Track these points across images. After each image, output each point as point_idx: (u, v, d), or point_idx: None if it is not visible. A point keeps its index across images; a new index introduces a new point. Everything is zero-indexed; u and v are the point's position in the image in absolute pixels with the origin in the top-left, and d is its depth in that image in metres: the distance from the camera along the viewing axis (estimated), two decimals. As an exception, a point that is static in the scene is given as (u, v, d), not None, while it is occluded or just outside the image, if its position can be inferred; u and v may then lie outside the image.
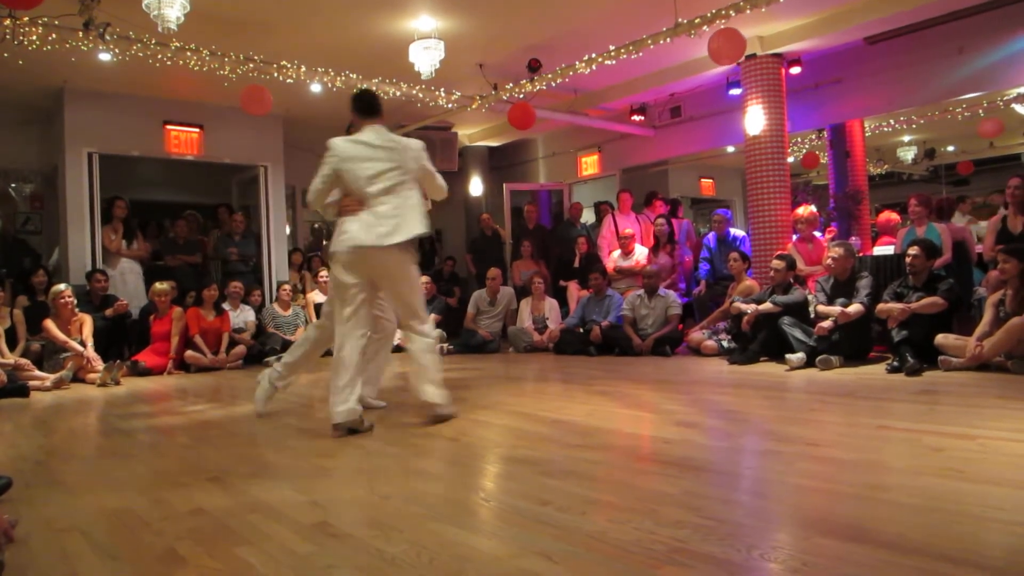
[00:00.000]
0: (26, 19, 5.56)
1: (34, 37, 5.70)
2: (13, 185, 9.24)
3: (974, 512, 2.07)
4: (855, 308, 5.46)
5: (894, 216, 7.46)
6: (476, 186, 11.65)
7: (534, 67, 7.54)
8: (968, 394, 4.15)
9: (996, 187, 7.16)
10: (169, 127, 8.77)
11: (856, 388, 4.50)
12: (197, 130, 8.94)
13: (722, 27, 6.12)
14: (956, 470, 2.50)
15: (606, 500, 2.39)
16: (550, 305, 8.17)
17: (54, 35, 5.75)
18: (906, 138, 10.86)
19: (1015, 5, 6.59)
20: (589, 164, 11.11)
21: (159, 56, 6.34)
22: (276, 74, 6.99)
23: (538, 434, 3.50)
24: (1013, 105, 8.76)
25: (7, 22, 5.49)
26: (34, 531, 2.24)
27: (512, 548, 1.93)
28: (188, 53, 6.42)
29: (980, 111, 8.77)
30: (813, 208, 7.20)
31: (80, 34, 5.75)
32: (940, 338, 5.10)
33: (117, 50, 6.16)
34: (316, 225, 11.98)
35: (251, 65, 6.78)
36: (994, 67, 7.07)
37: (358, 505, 2.40)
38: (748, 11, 5.83)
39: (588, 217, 10.33)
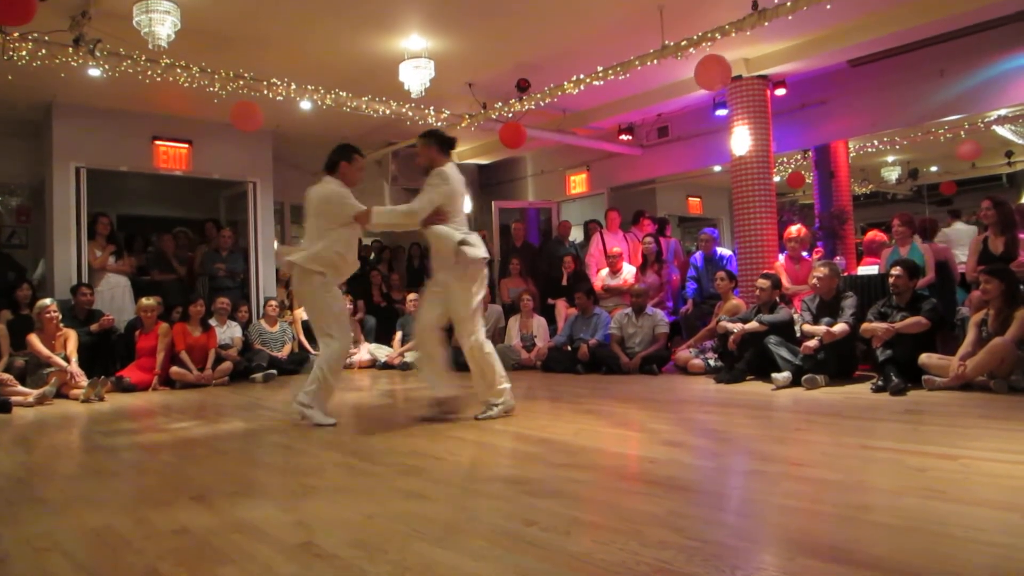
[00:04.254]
0: (16, 34, 5.57)
1: (24, 52, 5.71)
2: (-1, 198, 9.21)
3: (956, 533, 2.08)
4: (840, 327, 5.50)
5: (881, 235, 7.53)
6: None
7: (523, 87, 7.61)
8: (951, 414, 4.18)
9: (977, 207, 7.29)
10: (158, 142, 8.76)
11: (841, 407, 4.52)
12: (186, 145, 8.94)
13: (708, 53, 6.21)
14: (938, 490, 2.52)
15: (591, 520, 2.39)
16: (538, 323, 8.18)
17: (44, 50, 5.77)
18: (890, 158, 11.01)
19: (994, 29, 6.72)
20: (577, 182, 11.18)
21: (149, 72, 6.35)
22: (266, 91, 7.01)
23: (525, 453, 3.50)
24: (994, 127, 8.92)
25: (-3, 37, 5.50)
26: (14, 550, 2.22)
27: (497, 569, 1.93)
28: (178, 70, 6.44)
29: (962, 132, 8.92)
30: (803, 228, 7.27)
31: (70, 50, 5.77)
32: (924, 358, 5.14)
33: (107, 66, 6.17)
34: (303, 241, 11.97)
35: (241, 82, 6.80)
36: (975, 90, 7.20)
37: (343, 525, 2.38)
38: (734, 34, 5.92)
39: (576, 235, 10.37)
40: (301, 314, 8.66)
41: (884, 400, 4.71)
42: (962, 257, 6.66)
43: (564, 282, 8.79)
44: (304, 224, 4.67)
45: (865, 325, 5.47)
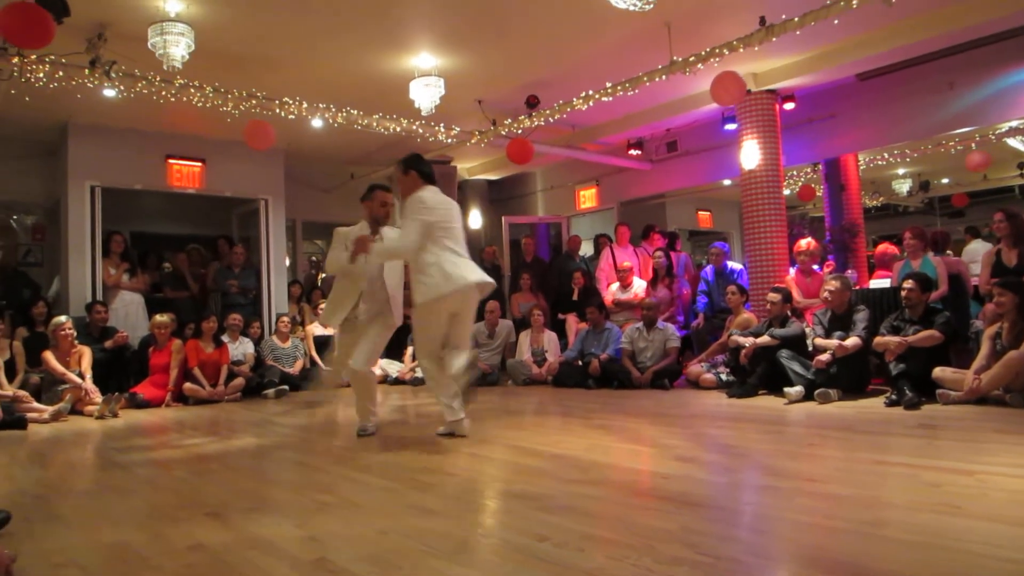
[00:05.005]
0: (34, 57, 5.67)
1: (41, 75, 5.80)
2: (15, 217, 9.32)
3: (972, 549, 2.07)
4: (852, 341, 5.47)
5: (892, 248, 7.49)
6: (475, 219, 11.74)
7: (532, 103, 7.66)
8: (966, 428, 4.15)
9: (991, 219, 7.27)
10: (171, 161, 8.86)
11: (854, 422, 4.50)
12: (199, 164, 9.04)
13: (717, 68, 6.24)
14: (954, 506, 2.50)
15: (604, 536, 2.39)
16: (549, 338, 8.18)
17: (61, 72, 5.86)
18: (900, 171, 10.99)
19: (1003, 42, 6.72)
20: (587, 197, 11.22)
21: (163, 92, 6.45)
22: (278, 110, 7.09)
23: (537, 468, 3.50)
24: (1005, 139, 8.89)
25: (15, 60, 5.60)
26: (32, 566, 2.24)
27: (510, 585, 1.93)
28: (192, 90, 6.53)
29: (973, 145, 8.90)
30: (813, 241, 7.26)
31: (86, 71, 5.87)
32: (938, 371, 5.11)
33: (122, 87, 6.26)
34: (314, 258, 12.04)
35: (254, 101, 6.88)
36: (984, 102, 7.20)
37: (357, 541, 2.39)
38: (742, 49, 5.94)
39: (587, 249, 10.39)
40: (313, 330, 8.70)
41: (898, 414, 4.68)
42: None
43: (575, 297, 8.80)
44: (453, 235, 4.42)
45: (878, 339, 5.44)
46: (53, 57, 5.72)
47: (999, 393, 4.80)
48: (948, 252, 7.51)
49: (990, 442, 3.72)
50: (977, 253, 7.89)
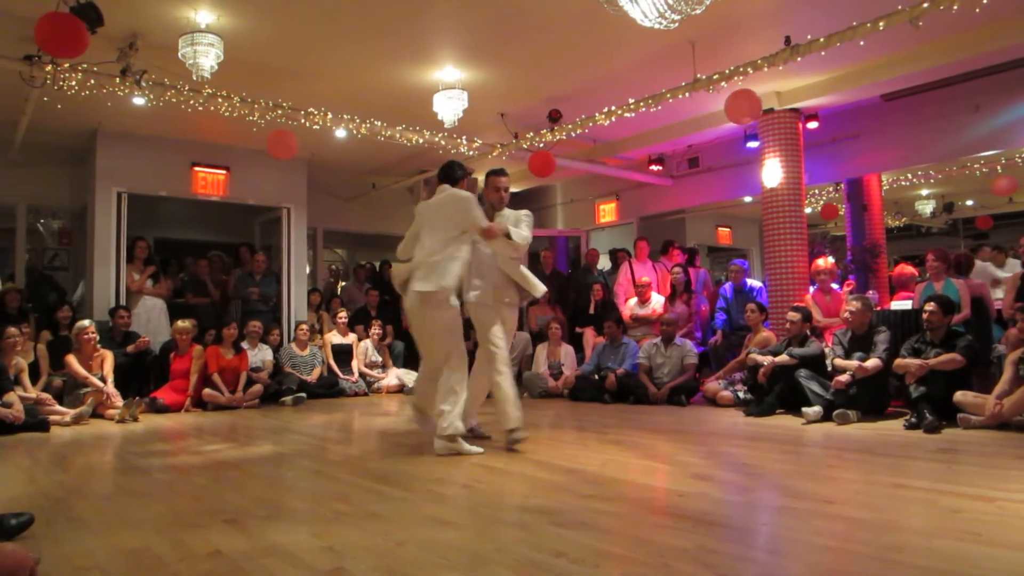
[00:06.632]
0: (67, 65, 5.79)
1: (73, 83, 5.93)
2: (42, 221, 9.48)
3: (992, 577, 2.05)
4: (873, 363, 5.43)
5: (908, 268, 7.41)
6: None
7: (554, 117, 7.70)
8: (987, 454, 4.10)
9: (1016, 242, 7.17)
10: (197, 168, 8.99)
11: (873, 444, 4.46)
12: (224, 172, 9.16)
13: (739, 86, 6.23)
14: (974, 533, 2.48)
15: (620, 553, 2.39)
16: (566, 351, 8.18)
17: (92, 81, 5.98)
18: (924, 192, 10.91)
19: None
20: (607, 211, 11.23)
21: (191, 102, 6.56)
22: (303, 120, 7.18)
23: (552, 483, 3.50)
24: (1032, 162, 8.80)
25: (48, 68, 5.72)
26: (56, 569, 2.28)
27: (526, 600, 1.93)
28: (220, 99, 6.64)
29: (998, 167, 8.83)
30: (831, 260, 7.22)
31: (117, 80, 5.98)
32: (959, 395, 5.05)
33: (152, 95, 6.38)
34: (333, 266, 12.13)
35: (279, 111, 6.98)
36: (1011, 125, 7.14)
37: (373, 551, 2.41)
38: (766, 68, 5.94)
39: (605, 264, 10.39)
40: (331, 338, 8.75)
41: (918, 438, 4.63)
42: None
43: (592, 311, 8.80)
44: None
45: (898, 361, 5.39)
46: (85, 65, 5.85)
47: (1021, 419, 4.74)
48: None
49: (1012, 468, 3.67)
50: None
